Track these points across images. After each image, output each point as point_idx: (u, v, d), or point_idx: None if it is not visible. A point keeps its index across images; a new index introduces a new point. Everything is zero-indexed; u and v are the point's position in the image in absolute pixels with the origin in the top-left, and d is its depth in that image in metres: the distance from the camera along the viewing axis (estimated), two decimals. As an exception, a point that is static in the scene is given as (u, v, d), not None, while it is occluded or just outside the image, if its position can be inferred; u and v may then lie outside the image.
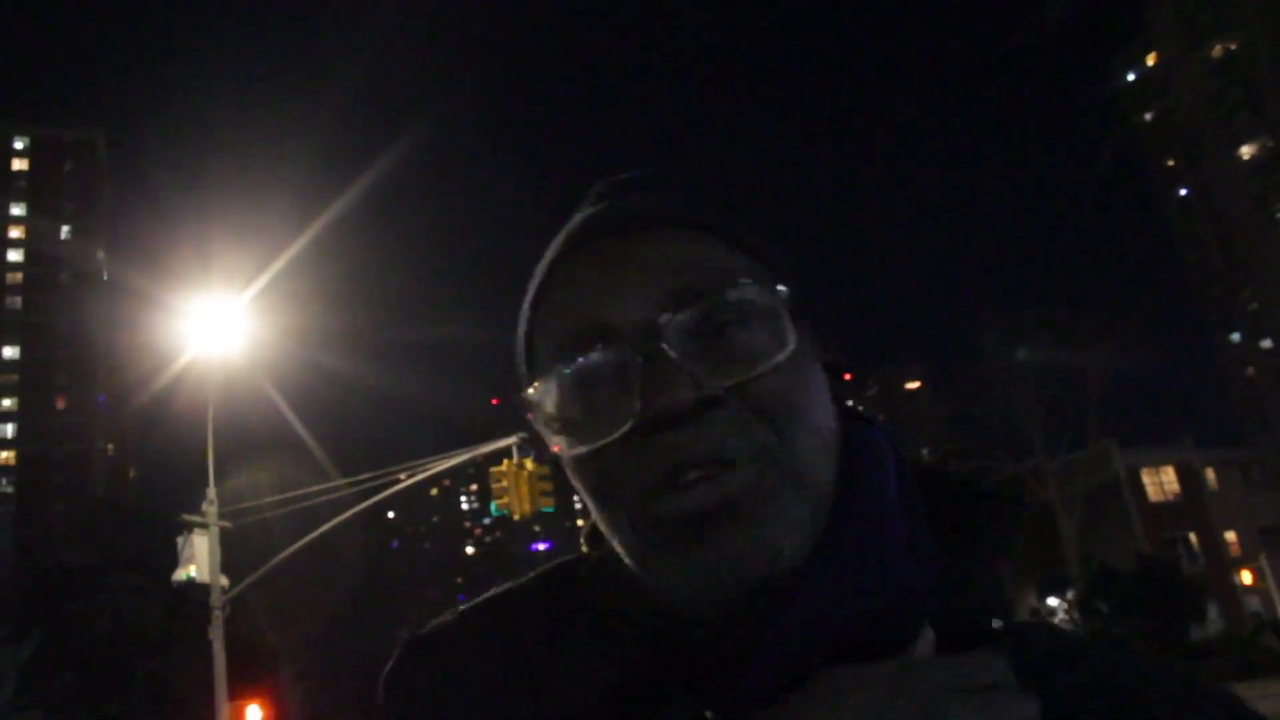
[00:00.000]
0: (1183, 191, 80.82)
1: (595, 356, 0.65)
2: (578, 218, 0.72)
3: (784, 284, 0.68)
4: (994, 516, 0.72)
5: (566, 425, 0.68)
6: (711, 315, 0.65)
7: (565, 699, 0.66)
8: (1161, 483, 42.94)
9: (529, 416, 0.70)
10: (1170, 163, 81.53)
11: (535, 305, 0.72)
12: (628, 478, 0.64)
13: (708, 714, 0.62)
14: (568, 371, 0.67)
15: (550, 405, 0.68)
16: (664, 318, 0.64)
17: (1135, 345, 37.59)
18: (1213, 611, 33.73)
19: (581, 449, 0.66)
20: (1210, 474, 43.33)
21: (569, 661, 0.68)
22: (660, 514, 0.63)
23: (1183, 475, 42.98)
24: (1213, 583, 37.56)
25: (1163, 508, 42.04)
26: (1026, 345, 37.79)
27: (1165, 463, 43.18)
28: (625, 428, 0.63)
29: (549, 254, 0.72)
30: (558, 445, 0.69)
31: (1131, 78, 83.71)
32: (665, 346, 0.63)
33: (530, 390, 0.70)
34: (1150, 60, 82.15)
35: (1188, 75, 77.15)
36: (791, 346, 0.65)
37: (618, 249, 0.68)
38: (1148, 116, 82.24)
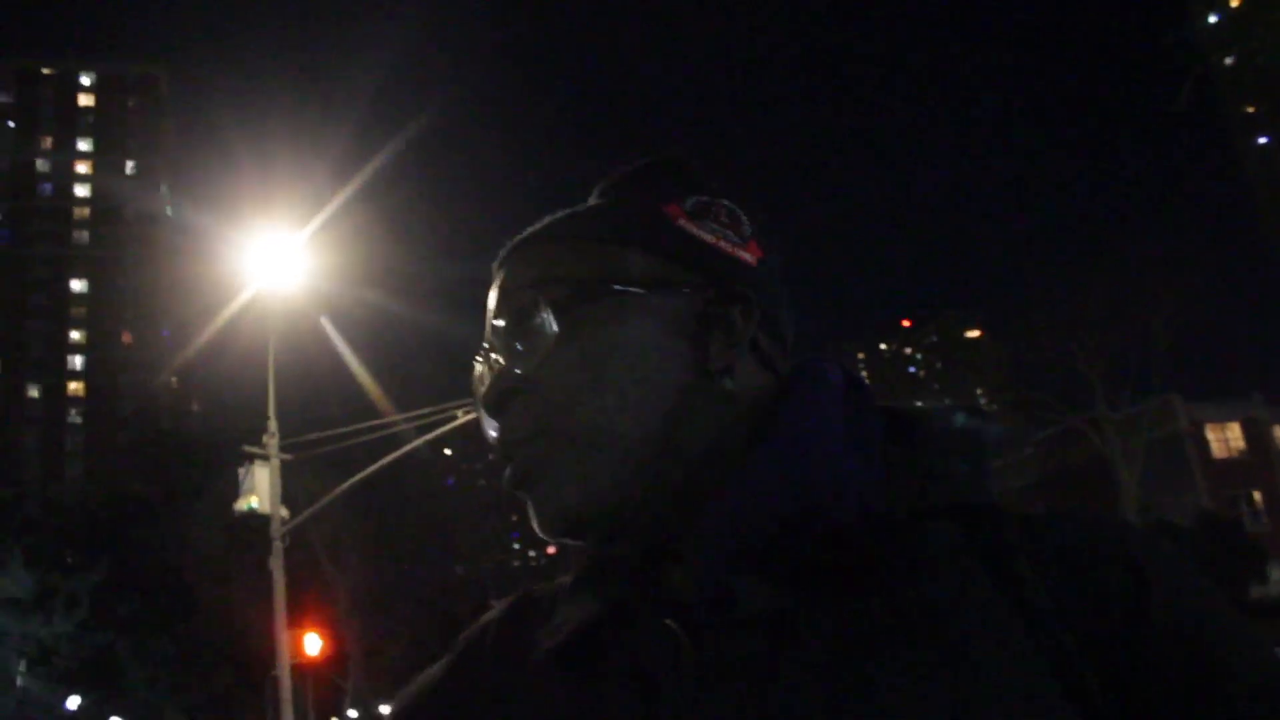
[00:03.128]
0: (1262, 139, 78.19)
1: (480, 357, 0.86)
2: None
3: (632, 245, 0.81)
4: (956, 418, 0.79)
5: (480, 411, 0.84)
6: (506, 316, 0.81)
7: (558, 634, 0.77)
8: (1227, 439, 42.02)
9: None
10: (1250, 109, 78.83)
11: None
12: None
13: (667, 622, 0.72)
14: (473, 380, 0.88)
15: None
16: (500, 326, 0.81)
17: (1205, 297, 36.63)
18: (1276, 571, 33.13)
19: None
20: (1278, 431, 42.35)
21: (565, 605, 0.80)
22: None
23: (1249, 432, 42.01)
24: (1276, 542, 36.89)
25: (1227, 464, 41.19)
26: (1090, 293, 36.91)
27: (1231, 419, 42.20)
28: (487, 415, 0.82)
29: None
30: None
31: (1213, 20, 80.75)
32: (492, 350, 0.83)
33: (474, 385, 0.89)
34: (1234, 1, 79.13)
35: (1271, 19, 74.25)
36: (550, 336, 0.78)
37: (501, 274, 0.85)
38: (1228, 61, 79.41)
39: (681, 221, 0.82)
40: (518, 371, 0.79)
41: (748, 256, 0.83)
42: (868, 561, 0.69)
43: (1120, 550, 0.69)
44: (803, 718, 0.65)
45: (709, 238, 0.82)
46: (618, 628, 0.75)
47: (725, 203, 0.85)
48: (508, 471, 0.79)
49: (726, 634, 0.69)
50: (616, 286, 0.79)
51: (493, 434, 0.82)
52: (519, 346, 0.79)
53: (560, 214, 0.86)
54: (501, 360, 0.81)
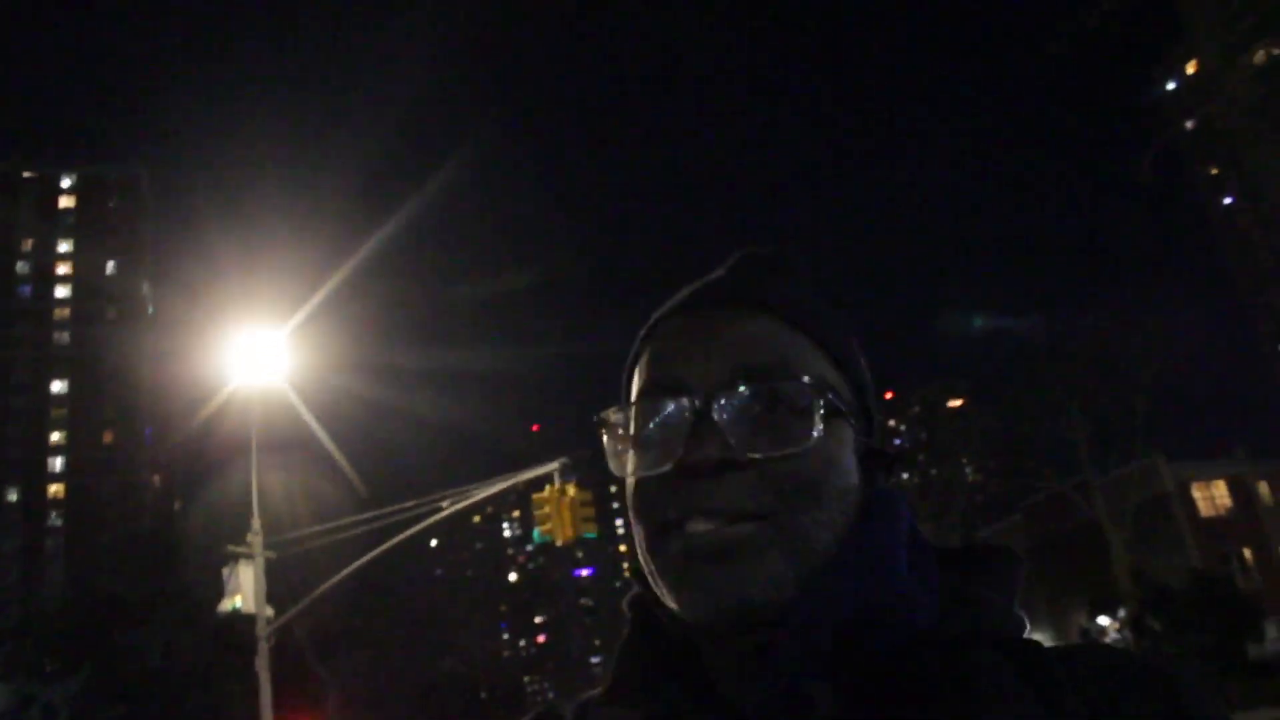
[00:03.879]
0: (1227, 199, 79.72)
1: (666, 404, 0.81)
2: (688, 288, 0.89)
3: (842, 368, 0.84)
4: (991, 558, 0.84)
5: (628, 450, 0.83)
6: (760, 395, 0.79)
7: None
8: (1213, 496, 42.05)
9: (602, 433, 0.86)
10: (1214, 170, 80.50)
11: (638, 351, 0.88)
12: (655, 509, 0.79)
13: None
14: (644, 407, 0.82)
15: (621, 430, 0.84)
16: (723, 388, 0.79)
17: (1184, 357, 36.96)
18: (1271, 629, 32.94)
19: (633, 475, 0.82)
20: (1263, 487, 42.39)
21: (627, 699, 0.81)
22: (668, 549, 0.78)
23: (1235, 489, 42.08)
24: (1269, 599, 36.72)
25: (1215, 522, 41.15)
26: (1072, 361, 37.20)
27: (1216, 476, 42.29)
28: (665, 468, 0.78)
29: (659, 312, 0.89)
30: (615, 464, 0.84)
31: (1172, 86, 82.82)
32: (716, 411, 0.78)
33: (611, 412, 0.85)
34: (1190, 68, 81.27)
35: (1229, 82, 76.21)
36: (813, 440, 0.78)
37: (705, 321, 0.84)
38: (1189, 124, 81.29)
39: (862, 360, 0.88)
40: (752, 452, 0.77)
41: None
42: (927, 678, 0.72)
43: (1155, 677, 0.75)
44: None
45: (868, 379, 0.88)
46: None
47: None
48: (701, 537, 0.76)
49: None
50: (847, 407, 0.83)
51: (633, 475, 0.82)
52: (769, 428, 0.78)
53: (767, 272, 0.90)
54: (734, 425, 0.78)
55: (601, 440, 0.85)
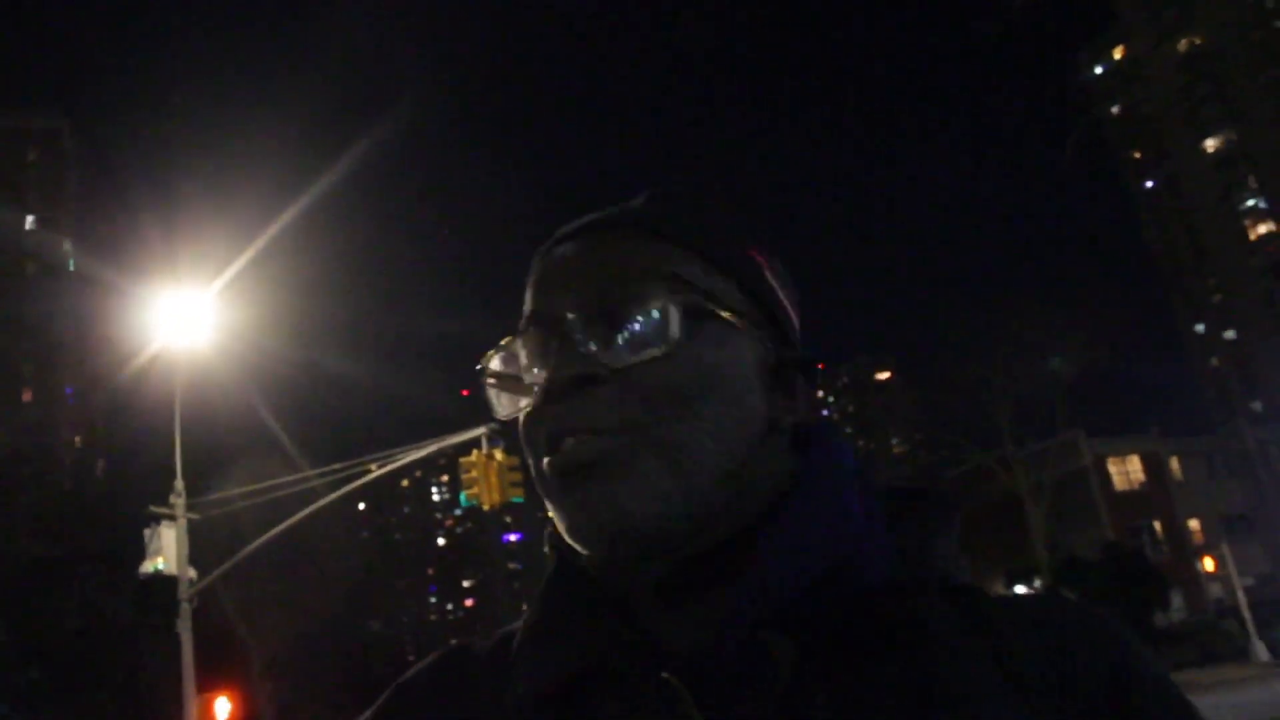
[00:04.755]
0: (1149, 184, 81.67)
1: (530, 336, 0.78)
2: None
3: (732, 275, 0.79)
4: (938, 504, 0.81)
5: (504, 391, 0.80)
6: (619, 304, 0.74)
7: (544, 674, 0.74)
8: (1127, 472, 43.47)
9: (486, 381, 0.82)
10: (1137, 155, 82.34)
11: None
12: (533, 440, 0.76)
13: (665, 675, 0.69)
14: (516, 345, 0.80)
15: (501, 373, 0.81)
16: (585, 307, 0.75)
17: (1104, 336, 37.93)
18: (1176, 599, 34.21)
19: (511, 413, 0.79)
20: (1175, 463, 43.91)
21: (532, 653, 0.77)
22: (545, 471, 0.75)
23: (1148, 464, 43.52)
24: (1176, 570, 38.08)
25: (1128, 496, 42.58)
26: (996, 337, 38.01)
27: (1131, 452, 43.70)
28: (534, 398, 0.76)
29: (539, 250, 0.85)
30: (501, 410, 0.81)
31: (1099, 71, 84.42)
32: (578, 329, 0.74)
33: (490, 356, 0.82)
34: (1117, 54, 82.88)
35: (1155, 69, 77.88)
36: (673, 343, 0.73)
37: (573, 250, 0.80)
38: (1115, 109, 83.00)
39: (767, 274, 0.83)
40: (611, 363, 0.74)
41: (797, 325, 0.85)
42: (881, 631, 0.70)
43: (1102, 628, 0.75)
44: None
45: (785, 300, 0.83)
46: (600, 678, 0.72)
47: (782, 265, 0.86)
48: (568, 452, 0.74)
49: (734, 694, 0.69)
50: (730, 309, 0.78)
51: (511, 414, 0.80)
52: (621, 333, 0.75)
53: (660, 199, 0.84)
54: (590, 342, 0.75)
55: (486, 390, 0.83)
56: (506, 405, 0.80)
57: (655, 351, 0.73)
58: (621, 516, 0.71)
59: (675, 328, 0.73)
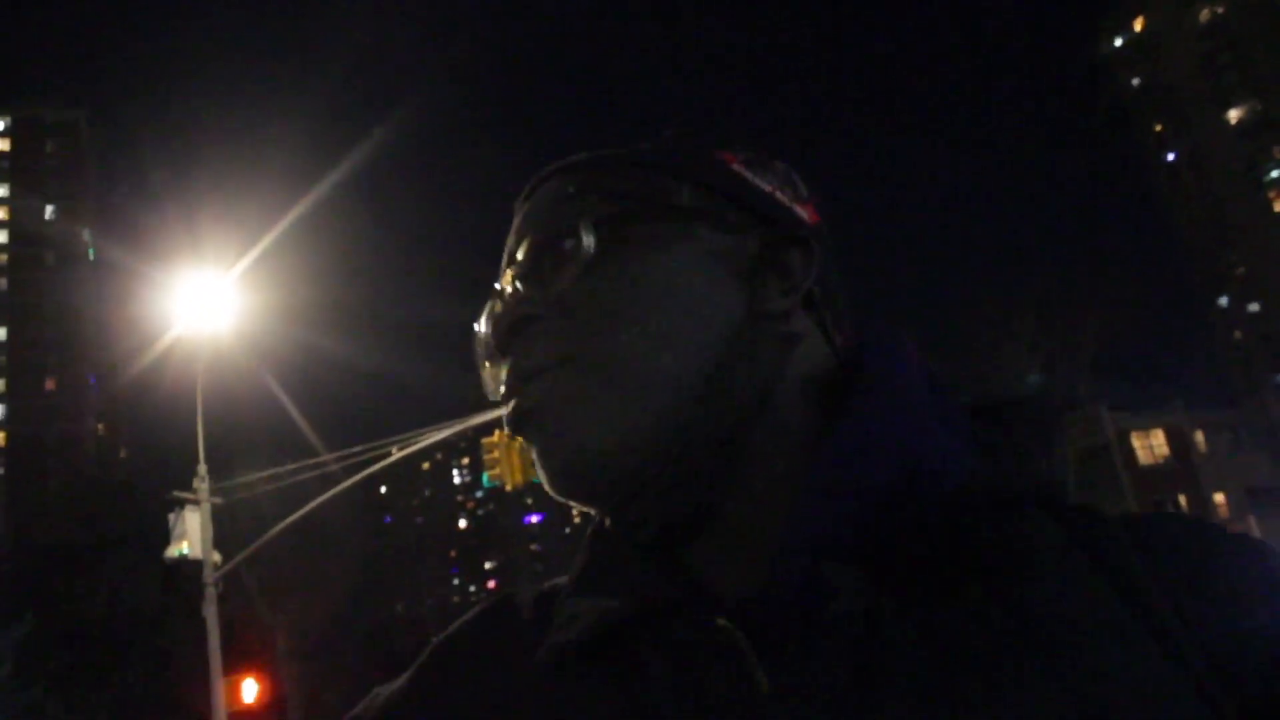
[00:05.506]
0: (1170, 156, 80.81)
1: (490, 299, 0.75)
2: None
3: (683, 177, 0.71)
4: (1036, 409, 0.70)
5: (481, 363, 0.76)
6: (544, 242, 0.70)
7: (585, 623, 0.65)
8: (1151, 446, 43.15)
9: (476, 357, 0.78)
10: (1158, 127, 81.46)
11: None
12: (503, 402, 0.71)
13: (720, 621, 0.60)
14: (484, 312, 0.76)
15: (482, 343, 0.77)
16: (522, 254, 0.71)
17: (1126, 309, 37.66)
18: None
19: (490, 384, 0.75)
20: (1199, 437, 43.56)
21: (574, 601, 0.69)
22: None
23: (1172, 438, 43.19)
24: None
25: (1152, 470, 42.27)
26: (1017, 310, 37.79)
27: (1155, 426, 43.36)
28: (493, 361, 0.72)
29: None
30: (485, 383, 0.76)
31: (1119, 43, 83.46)
32: (519, 274, 0.71)
33: (478, 336, 0.78)
34: (1138, 25, 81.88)
35: (1176, 39, 76.95)
36: (589, 256, 0.67)
37: (530, 203, 0.75)
38: (1135, 81, 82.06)
39: (736, 166, 0.74)
40: (540, 297, 0.69)
41: (804, 214, 0.75)
42: (970, 555, 0.59)
43: (1250, 556, 0.62)
44: None
45: (765, 186, 0.74)
46: (648, 626, 0.63)
47: (781, 164, 0.77)
48: (509, 407, 0.69)
49: (799, 639, 0.58)
50: (668, 208, 0.70)
51: (494, 381, 0.74)
52: (546, 267, 0.69)
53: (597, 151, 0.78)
54: (521, 287, 0.71)
55: (478, 366, 0.77)
56: (495, 381, 0.74)
57: (573, 272, 0.67)
58: (579, 454, 0.65)
59: (589, 241, 0.67)
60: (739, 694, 0.57)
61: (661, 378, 0.64)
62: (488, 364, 0.75)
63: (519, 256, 0.71)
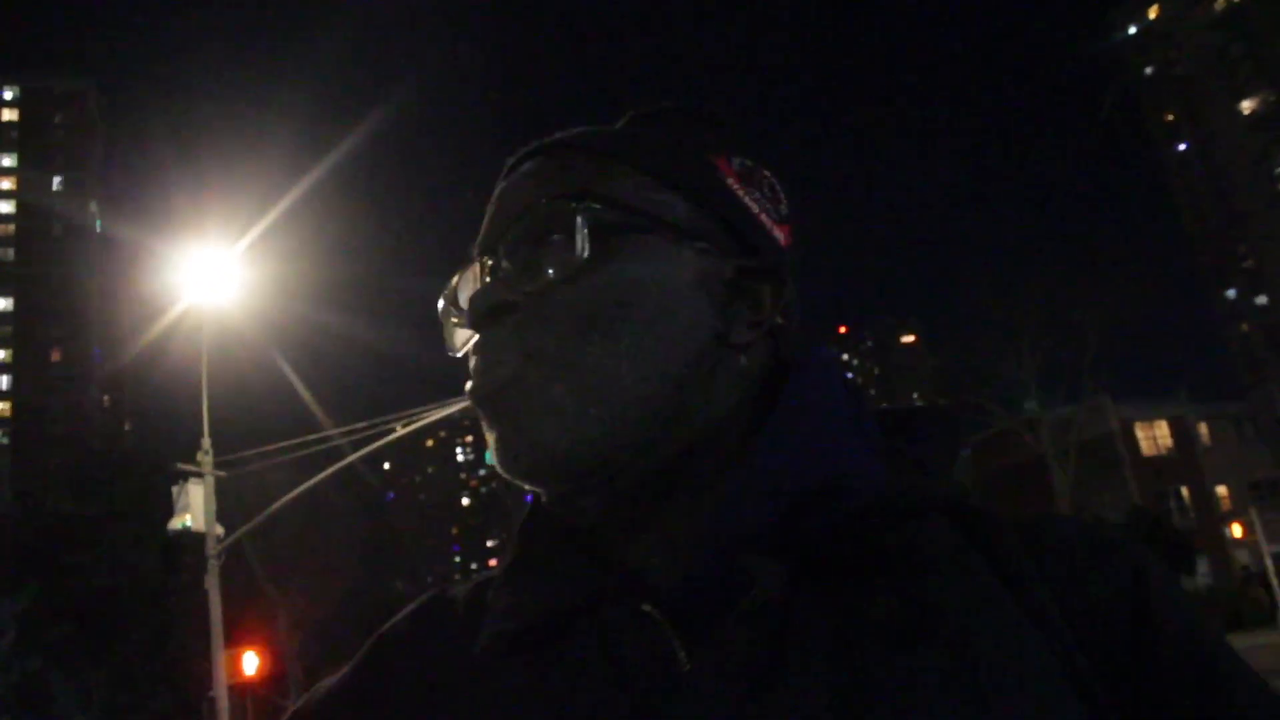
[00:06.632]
0: (1181, 146, 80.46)
1: (467, 270, 0.76)
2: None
3: (686, 197, 0.73)
4: (938, 420, 0.76)
5: (459, 327, 0.77)
6: (535, 232, 0.71)
7: (518, 615, 0.69)
8: (1155, 437, 43.09)
9: (443, 316, 0.79)
10: (1169, 117, 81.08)
11: None
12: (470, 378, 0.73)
13: (646, 608, 0.65)
14: (457, 285, 0.77)
15: (453, 307, 0.78)
16: (508, 235, 0.73)
17: (1132, 300, 37.50)
18: (1203, 564, 34.01)
19: (464, 349, 0.76)
20: (1203, 428, 43.48)
21: (507, 590, 0.72)
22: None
23: (1176, 430, 43.11)
24: (1203, 536, 37.85)
25: (1155, 461, 42.22)
26: (1023, 299, 37.66)
27: (1159, 417, 43.28)
28: (462, 326, 0.75)
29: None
30: (452, 344, 0.78)
31: (1132, 31, 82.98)
32: (501, 258, 0.72)
33: (443, 298, 0.79)
34: (1151, 13, 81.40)
35: (1189, 29, 76.50)
36: (578, 263, 0.69)
37: (516, 178, 0.76)
38: (1148, 70, 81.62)
39: (730, 180, 0.76)
40: (524, 288, 0.70)
41: (780, 237, 0.77)
42: (877, 555, 0.64)
43: (1118, 555, 0.68)
44: None
45: (753, 206, 0.76)
46: (578, 614, 0.67)
47: (768, 174, 0.78)
48: (472, 385, 0.71)
49: (719, 624, 0.63)
50: (662, 223, 0.71)
51: (463, 349, 0.76)
52: (535, 257, 0.71)
53: (597, 128, 0.78)
54: (507, 269, 0.72)
55: (445, 326, 0.79)
56: (460, 341, 0.77)
57: (561, 274, 0.69)
58: (533, 448, 0.68)
59: (582, 247, 0.68)
60: (662, 671, 0.62)
61: (622, 394, 0.67)
62: (456, 324, 0.77)
63: (509, 236, 0.72)
